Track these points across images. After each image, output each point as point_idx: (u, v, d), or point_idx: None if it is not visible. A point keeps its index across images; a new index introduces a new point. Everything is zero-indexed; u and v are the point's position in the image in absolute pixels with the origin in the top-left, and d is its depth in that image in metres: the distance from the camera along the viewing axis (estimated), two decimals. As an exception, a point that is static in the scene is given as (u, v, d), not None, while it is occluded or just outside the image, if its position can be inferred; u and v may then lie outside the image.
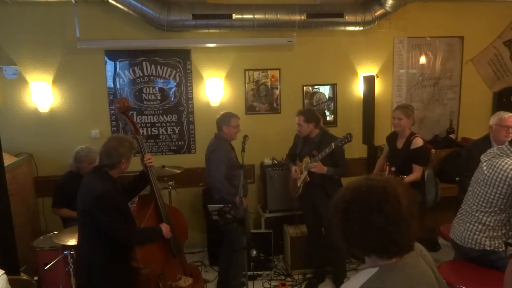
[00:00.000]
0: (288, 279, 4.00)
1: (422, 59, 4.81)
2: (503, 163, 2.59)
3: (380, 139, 4.76)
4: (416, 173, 3.44)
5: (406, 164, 3.45)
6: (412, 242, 1.23)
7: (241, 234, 3.19)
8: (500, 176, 2.57)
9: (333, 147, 3.40)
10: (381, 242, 1.18)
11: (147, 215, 2.86)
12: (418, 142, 3.46)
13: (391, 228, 1.16)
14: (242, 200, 3.21)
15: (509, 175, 2.53)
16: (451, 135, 4.86)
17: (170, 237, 2.87)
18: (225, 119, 3.54)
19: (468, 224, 2.72)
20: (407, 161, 3.46)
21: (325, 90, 4.73)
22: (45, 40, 4.13)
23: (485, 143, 3.51)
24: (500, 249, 2.61)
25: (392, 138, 3.71)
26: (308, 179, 3.58)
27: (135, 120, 4.31)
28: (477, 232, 2.66)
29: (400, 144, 3.58)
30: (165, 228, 2.82)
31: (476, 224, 2.67)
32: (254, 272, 3.91)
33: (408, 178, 3.37)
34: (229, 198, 3.35)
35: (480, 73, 4.95)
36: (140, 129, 3.10)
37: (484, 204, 2.64)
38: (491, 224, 2.62)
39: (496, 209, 2.60)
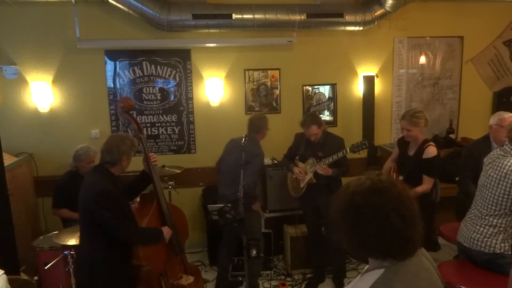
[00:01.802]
0: (288, 279, 4.00)
1: (422, 59, 4.81)
2: (508, 163, 2.58)
3: (380, 139, 4.77)
4: (426, 184, 3.18)
5: (415, 173, 3.21)
6: (421, 240, 1.22)
7: (240, 234, 3.19)
8: (505, 175, 2.57)
9: (348, 152, 3.39)
10: (398, 244, 1.16)
11: (149, 214, 2.87)
12: (431, 151, 3.18)
13: (407, 227, 1.15)
14: (242, 200, 3.21)
15: None
16: (451, 135, 4.86)
17: (171, 235, 2.88)
18: (266, 121, 3.62)
19: (478, 227, 2.70)
20: (417, 170, 3.21)
21: (325, 90, 4.73)
22: (45, 40, 4.13)
23: (485, 143, 3.51)
24: (510, 252, 2.61)
25: (404, 142, 3.43)
26: (314, 181, 3.56)
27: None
28: (487, 235, 2.64)
29: (412, 151, 3.32)
30: (166, 231, 2.83)
31: (487, 227, 2.65)
32: (254, 272, 3.91)
33: (419, 190, 3.13)
34: (254, 202, 3.46)
35: (480, 73, 4.95)
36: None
37: (493, 208, 2.63)
38: (503, 225, 2.61)
39: (506, 210, 2.59)
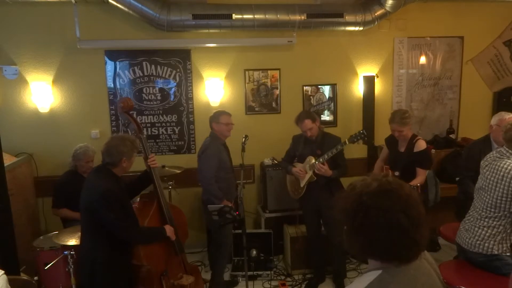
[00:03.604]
0: (288, 279, 3.99)
1: (422, 59, 4.81)
2: (505, 165, 2.58)
3: (380, 139, 4.75)
4: (421, 176, 3.34)
5: (409, 168, 3.36)
6: (426, 243, 1.21)
7: (240, 234, 3.19)
8: (502, 177, 2.56)
9: (347, 143, 3.39)
10: (406, 246, 1.15)
11: (150, 214, 2.87)
12: (421, 145, 3.37)
13: (415, 230, 1.14)
14: (242, 200, 3.21)
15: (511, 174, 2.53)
16: (451, 135, 4.86)
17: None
18: (215, 116, 3.58)
19: (476, 229, 2.69)
20: (410, 164, 3.37)
21: (325, 90, 4.73)
22: (45, 40, 4.13)
23: (485, 143, 3.51)
24: (508, 253, 2.60)
25: (392, 140, 3.58)
26: (315, 178, 3.53)
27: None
28: (485, 237, 2.64)
29: (402, 147, 3.48)
30: (169, 229, 2.83)
31: (485, 229, 2.65)
32: (254, 272, 3.91)
33: (414, 182, 3.25)
34: (215, 202, 3.34)
35: (480, 73, 4.95)
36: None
37: (493, 210, 2.63)
38: (501, 227, 2.61)
39: (505, 212, 2.58)
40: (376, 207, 1.15)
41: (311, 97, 4.69)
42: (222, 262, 3.66)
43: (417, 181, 3.30)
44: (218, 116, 3.56)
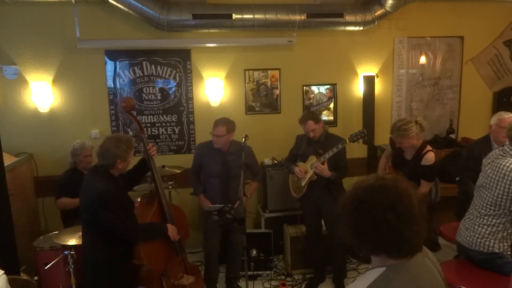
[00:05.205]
0: (288, 279, 4.00)
1: (422, 59, 4.81)
2: (507, 163, 2.57)
3: (380, 139, 4.76)
4: (424, 188, 3.23)
5: (413, 177, 3.07)
6: (422, 241, 1.24)
7: (240, 234, 3.20)
8: (504, 175, 2.56)
9: (347, 142, 3.38)
10: (393, 241, 1.18)
11: (150, 214, 2.87)
12: (429, 158, 3.19)
13: (403, 227, 1.17)
14: (242, 199, 3.21)
15: None
16: (451, 135, 4.86)
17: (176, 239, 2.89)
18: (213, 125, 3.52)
19: (477, 227, 2.69)
20: (415, 174, 3.19)
21: (325, 90, 4.73)
22: (45, 40, 4.13)
23: (485, 143, 3.51)
24: (509, 252, 2.60)
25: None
26: (315, 177, 3.53)
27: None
28: (486, 235, 2.63)
29: (409, 155, 3.31)
30: (171, 228, 2.83)
31: (485, 227, 2.64)
32: (254, 272, 3.92)
33: None
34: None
35: (480, 73, 4.95)
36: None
37: (493, 208, 2.62)
38: (501, 225, 2.60)
39: (505, 211, 2.58)
40: (365, 202, 1.20)
41: (311, 97, 4.70)
42: (205, 260, 3.79)
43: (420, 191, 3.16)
44: (213, 126, 3.49)
